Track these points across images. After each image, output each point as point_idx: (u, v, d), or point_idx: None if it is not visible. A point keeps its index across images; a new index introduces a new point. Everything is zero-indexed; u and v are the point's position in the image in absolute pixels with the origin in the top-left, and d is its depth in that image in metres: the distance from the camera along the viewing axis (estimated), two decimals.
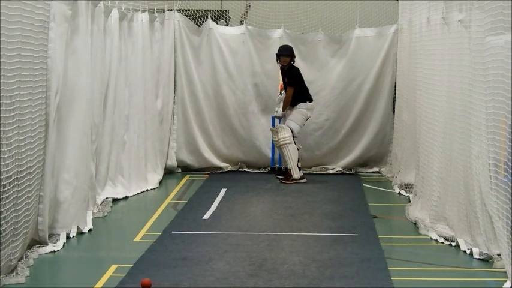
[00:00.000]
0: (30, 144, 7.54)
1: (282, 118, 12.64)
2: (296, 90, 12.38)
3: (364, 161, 13.65)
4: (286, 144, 12.27)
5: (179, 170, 13.47)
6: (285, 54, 12.42)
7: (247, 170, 13.56)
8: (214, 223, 9.57)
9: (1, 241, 6.82)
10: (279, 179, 12.53)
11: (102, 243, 9.00)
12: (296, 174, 12.35)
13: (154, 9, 12.58)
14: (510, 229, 6.79)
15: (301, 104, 12.42)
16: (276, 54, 12.51)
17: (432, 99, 9.56)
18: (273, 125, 12.88)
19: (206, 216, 9.94)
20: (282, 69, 12.57)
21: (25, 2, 7.27)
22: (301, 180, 12.39)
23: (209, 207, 10.40)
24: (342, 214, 10.17)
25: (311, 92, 12.98)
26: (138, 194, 11.53)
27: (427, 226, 9.13)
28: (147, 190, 11.86)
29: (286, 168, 12.61)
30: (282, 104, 12.53)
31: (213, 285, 7.02)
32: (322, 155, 13.62)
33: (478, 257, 7.87)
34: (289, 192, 11.65)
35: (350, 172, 13.49)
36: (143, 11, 12.05)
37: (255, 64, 13.39)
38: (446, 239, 8.62)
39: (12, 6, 6.94)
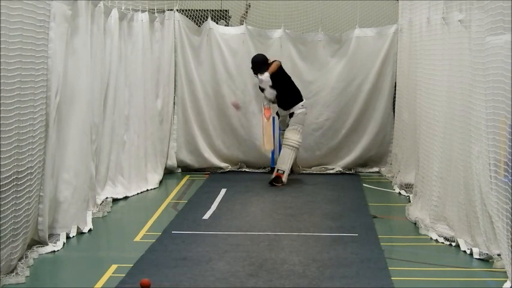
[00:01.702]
0: (31, 144, 7.54)
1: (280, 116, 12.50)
2: (290, 91, 12.17)
3: (364, 161, 13.65)
4: (293, 147, 12.11)
5: (179, 170, 13.47)
6: (259, 71, 12.05)
7: (247, 170, 13.56)
8: (214, 223, 9.58)
9: (1, 241, 6.82)
10: (273, 184, 12.15)
11: (102, 243, 9.00)
12: (285, 178, 12.16)
13: (154, 9, 12.59)
14: (510, 229, 6.80)
15: (302, 103, 12.25)
16: (251, 68, 12.28)
17: (432, 99, 9.56)
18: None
19: (206, 216, 9.95)
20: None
21: (26, 1, 7.28)
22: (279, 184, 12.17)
23: (209, 207, 10.41)
24: (342, 214, 10.17)
25: (311, 92, 13.04)
26: (138, 194, 11.54)
27: (427, 226, 9.13)
28: (147, 190, 11.86)
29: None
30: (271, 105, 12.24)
31: (213, 285, 7.03)
32: (322, 155, 13.62)
33: (478, 257, 7.88)
34: (289, 192, 11.65)
35: (350, 172, 13.49)
36: (143, 11, 12.05)
37: None
38: (446, 239, 8.62)
39: (14, 6, 6.95)
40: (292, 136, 12.12)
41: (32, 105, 7.50)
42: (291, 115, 12.24)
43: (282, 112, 12.37)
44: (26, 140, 7.37)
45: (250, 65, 12.33)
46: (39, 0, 7.69)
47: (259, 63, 12.21)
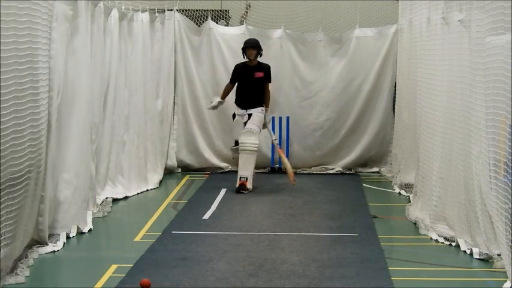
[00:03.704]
0: (32, 146, 7.54)
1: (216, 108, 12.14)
2: (261, 93, 11.81)
3: (364, 161, 13.65)
4: (252, 151, 11.56)
5: (179, 170, 13.48)
6: (250, 46, 11.75)
7: None
8: (214, 223, 9.57)
9: (1, 241, 6.82)
10: (240, 192, 11.56)
11: (102, 243, 9.00)
12: (250, 184, 11.60)
13: (154, 9, 12.59)
14: (510, 229, 6.79)
15: (262, 108, 11.77)
16: (242, 48, 11.91)
17: (432, 99, 9.56)
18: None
19: (206, 216, 9.95)
20: (247, 65, 11.88)
21: (33, 1, 7.30)
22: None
23: (209, 207, 10.41)
24: (342, 214, 10.17)
25: (311, 92, 13.05)
26: (138, 194, 11.54)
27: (427, 226, 9.13)
28: (147, 190, 11.87)
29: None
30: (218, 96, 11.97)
31: (213, 285, 7.02)
32: (322, 155, 13.62)
33: (478, 257, 7.88)
34: (289, 192, 11.64)
35: (350, 172, 13.50)
36: (143, 11, 12.06)
37: None
38: (446, 239, 8.62)
39: (21, 6, 6.96)
40: (249, 139, 11.54)
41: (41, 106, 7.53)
42: (249, 116, 11.75)
43: (239, 111, 11.83)
44: (26, 140, 7.35)
45: (243, 45, 11.89)
46: (43, 0, 7.69)
47: (255, 43, 11.83)
